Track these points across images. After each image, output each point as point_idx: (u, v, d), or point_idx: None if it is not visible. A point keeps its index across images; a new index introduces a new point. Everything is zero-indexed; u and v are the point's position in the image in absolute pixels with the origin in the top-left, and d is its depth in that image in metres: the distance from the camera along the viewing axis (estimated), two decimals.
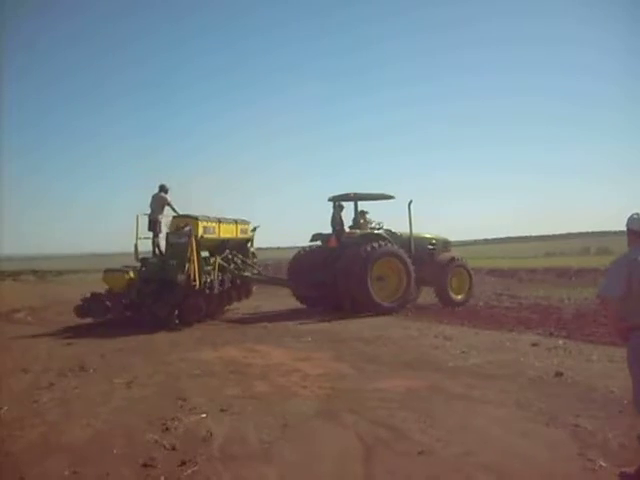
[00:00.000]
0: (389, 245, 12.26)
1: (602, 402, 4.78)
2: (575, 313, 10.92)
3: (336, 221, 12.96)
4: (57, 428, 4.40)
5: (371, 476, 3.42)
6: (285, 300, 14.14)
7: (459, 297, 13.14)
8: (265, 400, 5.11)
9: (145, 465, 3.57)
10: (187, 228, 10.50)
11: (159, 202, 11.43)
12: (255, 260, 13.06)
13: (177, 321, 10.06)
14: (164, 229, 11.30)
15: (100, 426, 4.43)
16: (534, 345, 7.55)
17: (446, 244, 14.04)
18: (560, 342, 7.73)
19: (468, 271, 13.51)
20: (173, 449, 3.85)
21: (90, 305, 10.19)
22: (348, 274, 11.63)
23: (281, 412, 4.68)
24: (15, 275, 32.71)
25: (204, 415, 4.63)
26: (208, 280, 10.66)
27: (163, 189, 11.52)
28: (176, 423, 4.40)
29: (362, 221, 13.19)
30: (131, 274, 10.41)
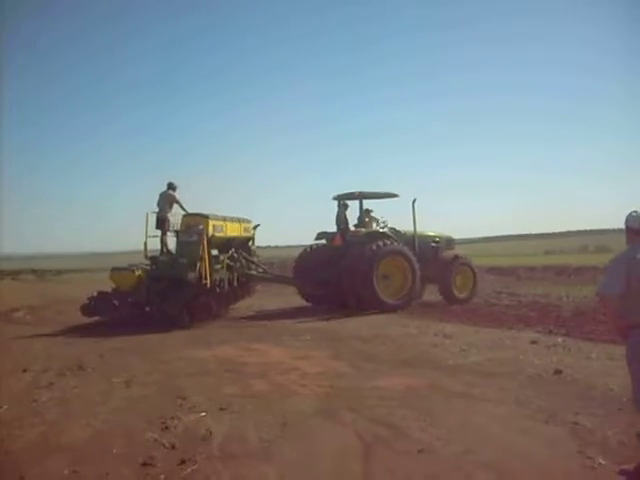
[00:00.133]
0: (394, 243, 12.31)
1: (601, 400, 4.78)
2: (574, 311, 10.92)
3: (341, 220, 12.99)
4: (57, 427, 4.39)
5: (370, 474, 3.42)
6: (290, 299, 14.17)
7: (463, 295, 13.19)
8: (264, 399, 5.11)
9: (145, 464, 3.56)
10: (199, 227, 10.52)
11: (167, 200, 11.40)
12: (260, 258, 13.13)
13: (187, 319, 10.05)
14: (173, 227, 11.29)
15: (99, 425, 4.42)
16: (533, 343, 7.56)
17: (449, 242, 14.10)
18: (559, 340, 7.74)
19: (472, 269, 13.58)
20: (173, 448, 3.84)
21: (97, 304, 10.14)
22: (354, 273, 11.66)
23: (280, 411, 4.68)
24: (14, 274, 32.71)
25: (203, 414, 4.62)
26: (218, 279, 10.68)
27: (171, 187, 11.50)
28: (175, 422, 4.40)
29: (367, 219, 13.25)
30: (140, 272, 10.37)
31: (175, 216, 11.39)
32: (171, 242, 11.29)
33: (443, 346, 7.61)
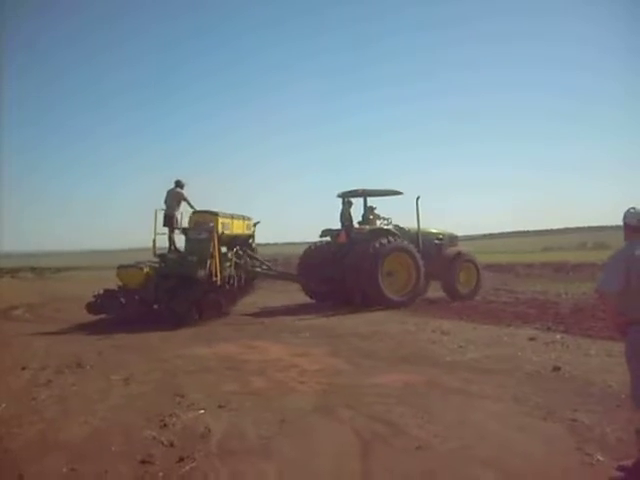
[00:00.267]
0: (398, 241, 12.36)
1: (600, 396, 4.79)
2: (573, 308, 10.94)
3: (345, 217, 13.04)
4: (55, 425, 4.39)
5: (368, 471, 3.42)
6: (294, 295, 14.17)
7: (466, 291, 13.22)
8: (263, 396, 5.11)
9: (143, 462, 3.55)
10: (210, 224, 10.52)
11: (175, 198, 11.39)
12: (262, 256, 13.17)
13: (196, 317, 10.05)
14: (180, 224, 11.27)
15: (98, 423, 4.42)
16: (532, 340, 7.57)
17: (452, 239, 14.15)
18: (558, 337, 7.74)
19: (476, 265, 13.65)
20: (171, 445, 3.84)
21: (103, 301, 10.08)
22: (358, 270, 11.71)
23: (279, 408, 4.68)
24: (13, 272, 32.72)
25: (202, 411, 4.62)
26: (227, 276, 10.70)
27: (179, 184, 11.50)
28: (174, 419, 4.39)
29: (371, 217, 13.29)
30: (148, 270, 10.30)
31: (181, 214, 11.40)
32: (178, 240, 11.32)
33: (441, 343, 7.62)
